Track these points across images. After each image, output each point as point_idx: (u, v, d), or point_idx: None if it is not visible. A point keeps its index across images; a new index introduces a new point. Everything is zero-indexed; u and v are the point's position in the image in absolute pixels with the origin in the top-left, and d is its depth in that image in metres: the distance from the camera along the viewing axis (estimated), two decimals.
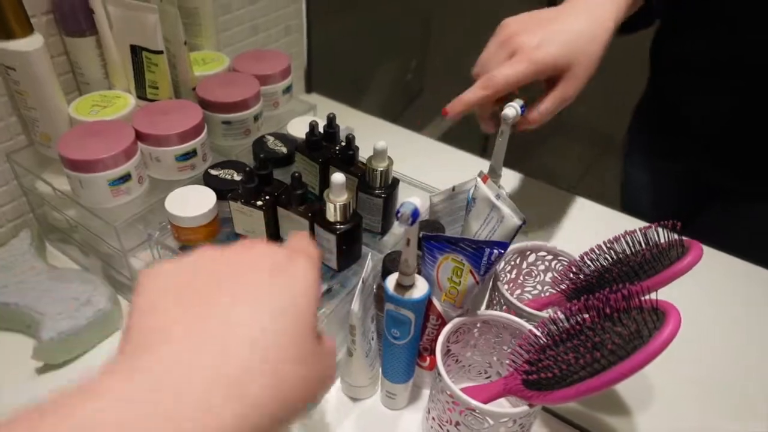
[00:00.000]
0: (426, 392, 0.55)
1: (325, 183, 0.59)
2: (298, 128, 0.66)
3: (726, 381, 0.57)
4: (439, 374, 0.44)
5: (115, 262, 0.60)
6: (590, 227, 0.75)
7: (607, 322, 0.38)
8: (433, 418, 0.48)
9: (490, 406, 0.42)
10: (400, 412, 0.53)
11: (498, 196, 0.49)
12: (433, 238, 0.45)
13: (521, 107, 0.51)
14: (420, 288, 0.44)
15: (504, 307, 0.52)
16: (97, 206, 0.55)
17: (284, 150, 0.62)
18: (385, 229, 0.58)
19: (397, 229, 0.61)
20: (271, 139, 0.64)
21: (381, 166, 0.54)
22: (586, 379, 0.38)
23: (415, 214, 0.38)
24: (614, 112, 1.01)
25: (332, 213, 0.50)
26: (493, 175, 0.54)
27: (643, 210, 0.87)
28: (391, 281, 0.44)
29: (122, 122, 0.57)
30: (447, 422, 0.46)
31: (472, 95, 0.51)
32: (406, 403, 0.54)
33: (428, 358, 0.53)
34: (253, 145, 0.63)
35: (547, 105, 0.52)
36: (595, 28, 0.52)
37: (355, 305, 0.45)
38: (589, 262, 0.50)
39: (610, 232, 0.49)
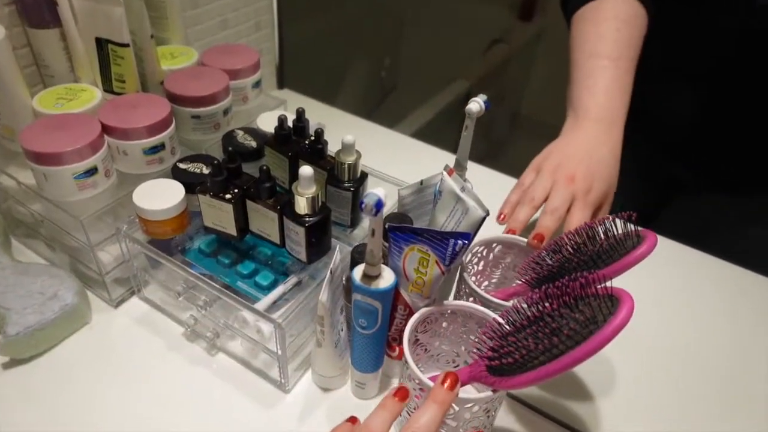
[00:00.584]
0: (396, 382, 0.56)
1: (294, 176, 0.60)
2: (268, 123, 0.66)
3: (682, 366, 0.60)
4: (406, 362, 0.45)
5: (82, 256, 0.60)
6: None
7: (565, 309, 0.40)
8: None
9: None
10: (371, 401, 0.54)
11: (463, 189, 0.51)
12: (398, 228, 0.46)
13: (485, 102, 0.52)
14: (386, 278, 0.45)
15: (471, 298, 0.53)
16: (63, 200, 0.54)
17: (254, 144, 0.63)
18: (354, 222, 0.59)
19: (367, 222, 0.61)
20: (240, 133, 0.64)
21: (349, 160, 0.55)
22: (546, 363, 0.39)
23: (379, 204, 0.39)
24: None
25: (301, 206, 0.51)
26: (459, 168, 0.55)
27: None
28: (358, 272, 0.45)
29: (88, 115, 0.57)
30: (415, 409, 0.47)
31: (548, 224, 0.58)
32: (376, 392, 0.54)
33: (397, 348, 0.54)
34: (222, 139, 0.63)
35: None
36: (617, 150, 0.64)
37: (323, 296, 0.46)
38: (551, 253, 0.51)
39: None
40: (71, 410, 0.52)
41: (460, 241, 0.45)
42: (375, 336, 0.48)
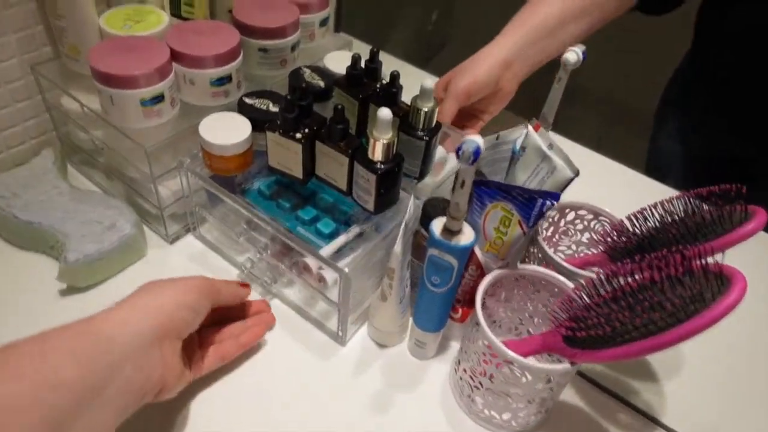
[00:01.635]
0: (455, 345, 0.54)
1: (362, 122, 0.56)
2: (336, 63, 0.63)
3: (749, 357, 0.57)
4: (478, 324, 0.43)
5: (140, 187, 0.58)
6: (621, 192, 0.72)
7: (667, 283, 0.37)
8: (464, 370, 0.47)
9: (530, 360, 0.41)
10: (428, 362, 0.52)
11: (550, 146, 0.47)
12: (484, 183, 0.43)
13: (582, 52, 0.48)
14: (467, 234, 0.42)
15: (543, 263, 0.50)
16: (127, 126, 0.52)
17: (321, 84, 0.59)
18: (423, 173, 0.56)
19: (435, 176, 0.58)
20: (307, 71, 0.60)
21: (426, 107, 0.51)
22: (639, 339, 0.36)
23: (477, 152, 0.36)
24: (632, 85, 1.00)
25: (375, 151, 0.47)
26: (544, 123, 0.51)
27: (670, 179, 0.86)
28: (437, 225, 0.42)
29: (156, 39, 0.54)
30: (481, 374, 0.45)
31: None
32: (434, 353, 0.52)
33: (460, 310, 0.52)
34: (289, 77, 0.60)
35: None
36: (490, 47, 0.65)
37: (398, 247, 0.43)
38: (636, 221, 0.48)
39: (638, 197, 0.47)
40: None
41: (548, 201, 0.42)
42: (445, 295, 0.46)
